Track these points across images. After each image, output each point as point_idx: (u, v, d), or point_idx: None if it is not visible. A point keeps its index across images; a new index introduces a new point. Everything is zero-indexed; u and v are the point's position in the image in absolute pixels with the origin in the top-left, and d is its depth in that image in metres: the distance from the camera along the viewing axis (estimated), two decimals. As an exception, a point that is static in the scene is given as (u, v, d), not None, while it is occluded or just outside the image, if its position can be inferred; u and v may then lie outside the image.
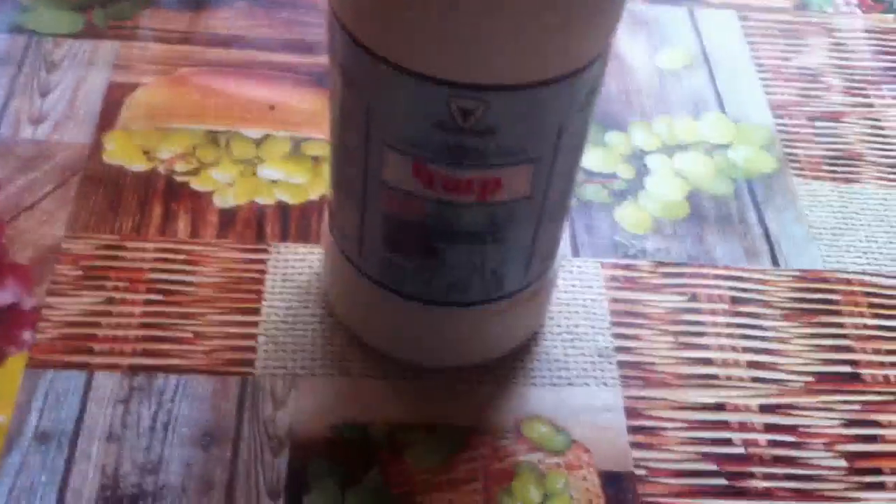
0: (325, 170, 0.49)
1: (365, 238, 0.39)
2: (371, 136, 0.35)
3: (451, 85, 0.32)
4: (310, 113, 0.52)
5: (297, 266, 0.45)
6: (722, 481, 0.40)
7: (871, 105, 0.56)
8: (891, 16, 0.62)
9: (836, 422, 0.42)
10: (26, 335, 0.41)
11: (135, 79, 0.53)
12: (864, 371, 0.44)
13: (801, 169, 0.52)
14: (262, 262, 0.45)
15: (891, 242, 0.49)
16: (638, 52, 0.58)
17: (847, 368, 0.44)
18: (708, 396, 0.42)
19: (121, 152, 0.49)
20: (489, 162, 0.34)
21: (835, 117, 0.55)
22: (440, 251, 0.37)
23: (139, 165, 0.48)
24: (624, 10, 0.34)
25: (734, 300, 0.46)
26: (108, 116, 0.51)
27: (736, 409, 0.42)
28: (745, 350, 0.44)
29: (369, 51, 0.32)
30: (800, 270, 0.47)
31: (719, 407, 0.42)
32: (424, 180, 0.35)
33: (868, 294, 0.47)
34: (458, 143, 0.33)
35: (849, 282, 0.47)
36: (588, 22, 0.32)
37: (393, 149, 0.34)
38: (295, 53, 0.55)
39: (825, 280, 0.47)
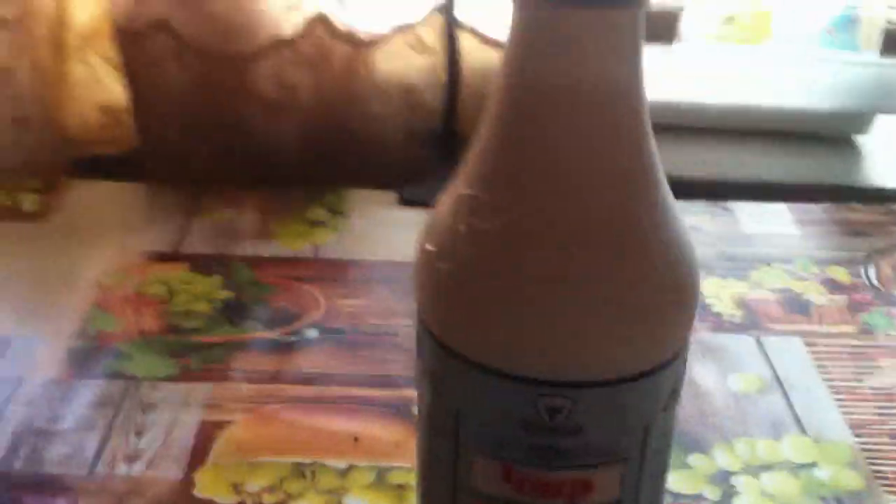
0: (410, 497, 0.50)
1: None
2: (460, 442, 0.36)
3: (540, 384, 0.33)
4: (394, 443, 0.53)
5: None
6: None
7: (951, 420, 0.56)
8: (956, 336, 0.63)
9: None
10: None
11: (225, 417, 0.55)
12: None
13: (891, 485, 0.51)
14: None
15: None
16: (710, 377, 0.59)
17: None
18: None
19: (210, 486, 0.50)
20: (577, 462, 0.35)
21: (917, 434, 0.55)
22: (532, 559, 0.37)
23: (228, 499, 0.49)
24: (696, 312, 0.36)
25: None
26: (199, 453, 0.52)
27: None
28: None
29: (457, 354, 0.34)
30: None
31: None
32: (515, 485, 0.35)
33: None
34: (545, 444, 0.34)
35: None
36: (672, 317, 0.34)
37: (481, 453, 0.35)
38: (378, 388, 0.57)
39: None
